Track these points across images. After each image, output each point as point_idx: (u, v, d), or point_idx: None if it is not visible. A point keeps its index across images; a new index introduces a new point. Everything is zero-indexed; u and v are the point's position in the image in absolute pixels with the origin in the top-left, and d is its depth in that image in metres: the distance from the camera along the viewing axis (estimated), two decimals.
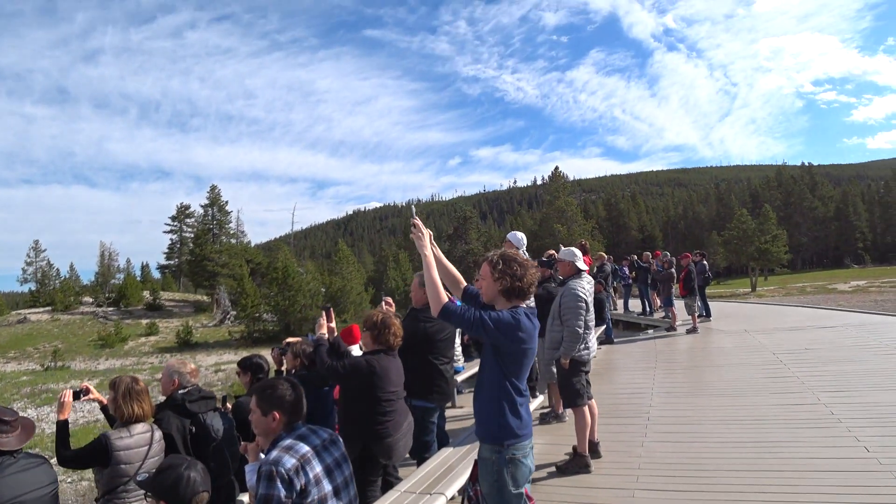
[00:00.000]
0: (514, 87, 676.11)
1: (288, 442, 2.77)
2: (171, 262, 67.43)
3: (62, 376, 24.24)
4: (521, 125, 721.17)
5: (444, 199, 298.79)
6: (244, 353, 26.43)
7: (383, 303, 5.78)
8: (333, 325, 4.87)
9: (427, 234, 3.25)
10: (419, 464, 5.08)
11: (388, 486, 4.50)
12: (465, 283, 3.40)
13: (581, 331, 5.76)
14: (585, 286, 6.00)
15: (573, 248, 6.35)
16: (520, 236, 7.32)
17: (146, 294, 53.09)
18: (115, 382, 3.89)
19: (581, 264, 6.13)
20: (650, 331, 15.07)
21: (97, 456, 3.66)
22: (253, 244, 68.15)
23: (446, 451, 5.19)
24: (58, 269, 69.26)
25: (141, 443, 3.78)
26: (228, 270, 50.08)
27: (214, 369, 23.56)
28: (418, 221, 3.29)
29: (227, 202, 57.76)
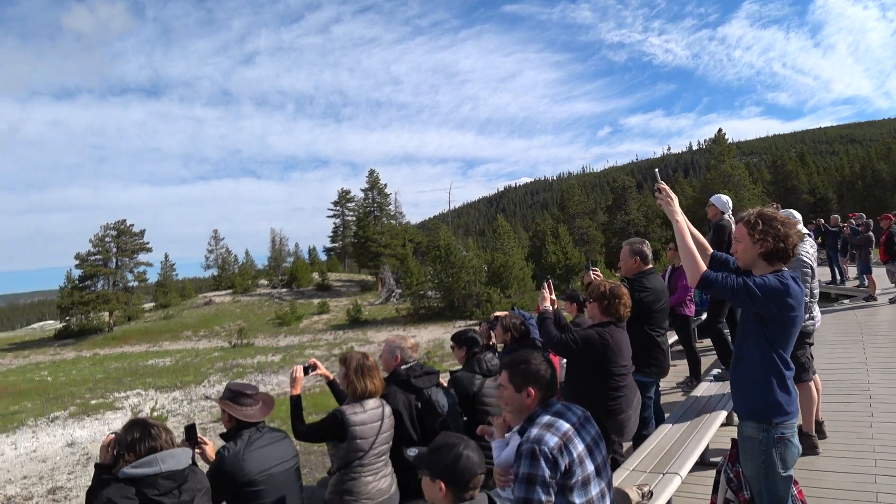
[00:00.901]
0: (662, 50, 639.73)
1: (547, 419, 2.70)
2: (336, 245, 71.43)
3: (248, 352, 26.50)
4: (672, 89, 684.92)
5: (595, 170, 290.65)
6: (412, 329, 27.46)
7: (591, 272, 5.60)
8: (554, 296, 4.78)
9: (675, 199, 3.08)
10: (637, 441, 4.96)
11: (614, 464, 4.38)
12: (712, 249, 3.21)
13: (807, 299, 5.33)
14: (809, 250, 5.51)
15: (792, 211, 5.84)
16: (724, 199, 6.86)
17: (315, 275, 56.67)
18: (345, 358, 4.04)
19: (803, 228, 5.65)
20: (845, 301, 13.67)
21: (333, 430, 3.84)
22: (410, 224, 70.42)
23: (667, 428, 5.02)
24: (235, 256, 75.61)
25: (374, 418, 3.91)
26: (391, 250, 52.16)
27: None
28: (664, 186, 3.11)
29: (385, 185, 60.07)
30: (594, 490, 2.68)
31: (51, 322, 70.81)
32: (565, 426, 2.66)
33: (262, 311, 44.03)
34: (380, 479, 3.96)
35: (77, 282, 47.44)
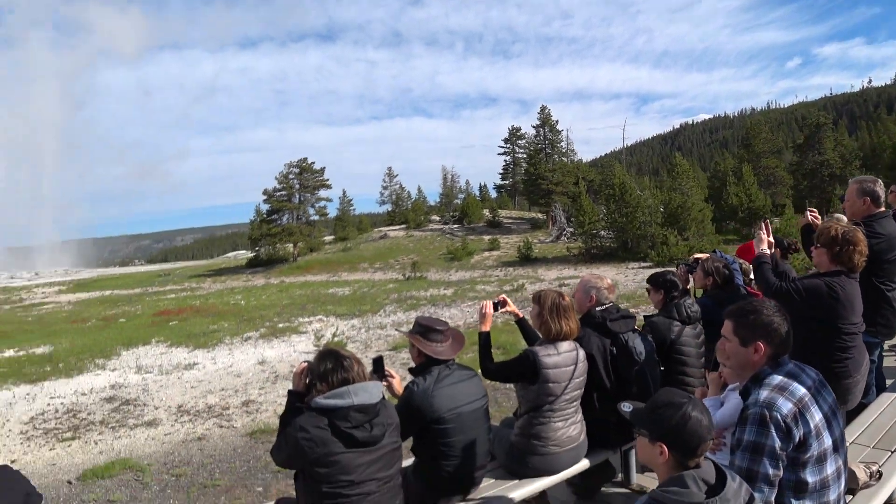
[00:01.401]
0: None
1: (779, 380, 2.34)
2: (506, 182, 71.68)
3: (421, 285, 27.46)
4: (876, 12, 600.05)
5: (782, 106, 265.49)
6: (583, 269, 26.88)
7: (808, 214, 4.70)
8: (772, 238, 4.23)
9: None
10: (854, 410, 4.30)
11: None
12: None
13: None
14: None
15: None
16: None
17: (486, 212, 57.31)
18: (539, 297, 3.83)
19: None
20: None
21: (524, 371, 3.68)
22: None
23: (891, 398, 4.36)
24: (409, 192, 78.35)
25: (567, 361, 3.70)
26: (562, 188, 51.32)
27: (558, 283, 24.32)
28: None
29: (556, 121, 58.78)
30: (830, 468, 2.28)
31: (243, 252, 77.81)
32: (801, 391, 2.28)
33: (434, 246, 45.32)
34: (570, 426, 3.76)
35: (265, 216, 51.47)
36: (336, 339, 14.39)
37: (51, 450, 9.14)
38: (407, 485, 3.12)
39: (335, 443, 2.69)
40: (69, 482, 7.88)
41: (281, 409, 9.28)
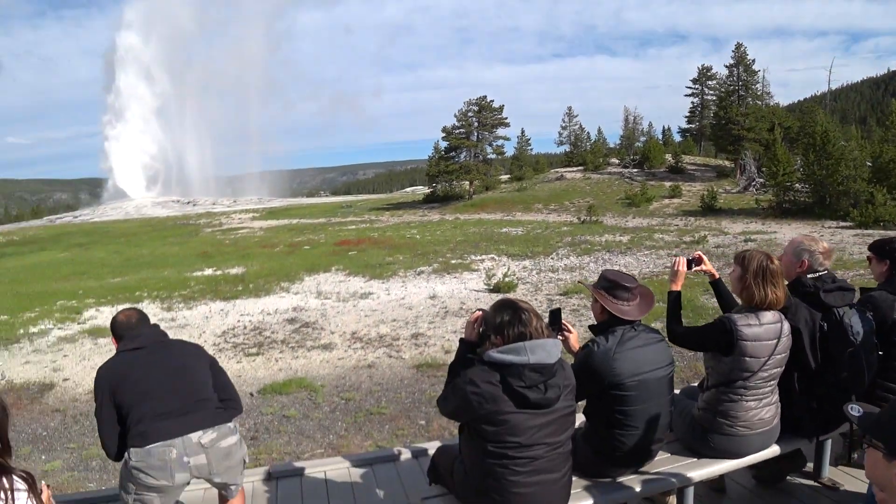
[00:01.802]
0: None
1: None
2: (692, 126, 67.38)
3: (596, 230, 26.65)
4: None
5: None
6: (773, 225, 24.70)
7: None
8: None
9: None
10: None
11: None
12: None
13: None
14: None
15: None
16: None
17: (668, 157, 54.27)
18: (744, 258, 3.32)
19: None
20: None
21: (718, 339, 3.23)
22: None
23: None
24: (588, 133, 76.11)
25: (770, 334, 3.19)
26: (754, 134, 47.17)
27: (744, 238, 22.54)
28: None
29: (753, 61, 53.70)
30: None
31: (420, 187, 79.92)
32: None
33: (612, 190, 43.80)
34: (763, 408, 3.27)
35: (443, 153, 52.16)
36: (507, 279, 14.26)
37: (238, 363, 9.87)
38: (575, 449, 2.81)
39: (506, 401, 2.48)
40: (251, 394, 8.44)
41: (449, 346, 9.30)
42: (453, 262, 18.89)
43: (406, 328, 11.47)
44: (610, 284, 3.11)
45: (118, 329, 3.16)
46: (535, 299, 13.15)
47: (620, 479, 3.19)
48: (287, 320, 12.61)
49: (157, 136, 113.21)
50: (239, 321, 12.79)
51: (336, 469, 4.42)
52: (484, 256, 19.87)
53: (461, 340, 2.90)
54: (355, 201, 64.50)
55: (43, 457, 6.92)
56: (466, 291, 14.44)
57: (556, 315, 3.09)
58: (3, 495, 2.07)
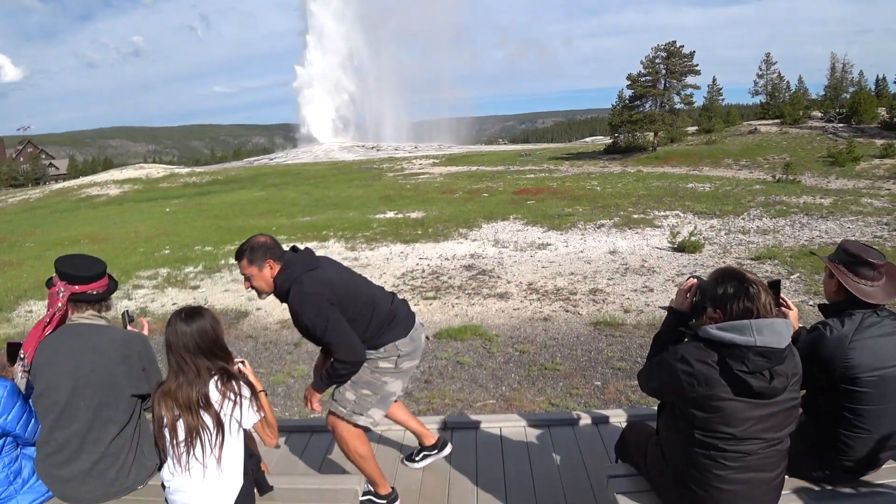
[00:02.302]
0: None
1: None
2: None
3: (793, 190, 24.26)
4: None
5: None
6: None
7: None
8: None
9: None
10: None
11: None
12: None
13: None
14: None
15: None
16: None
17: (881, 111, 48.07)
18: None
19: None
20: None
21: None
22: None
23: None
24: (787, 82, 68.99)
25: None
26: None
27: None
28: None
29: None
30: None
31: (600, 137, 77.30)
32: None
33: (812, 147, 39.72)
34: None
35: (627, 101, 49.81)
36: (693, 238, 13.35)
37: (415, 305, 10.03)
38: (791, 446, 2.39)
39: (722, 386, 2.12)
40: (427, 338, 8.54)
41: (629, 305, 8.86)
42: (635, 216, 18.04)
43: (584, 283, 11.10)
44: (852, 259, 2.58)
45: (278, 250, 3.15)
46: (723, 261, 12.22)
47: (838, 488, 2.69)
48: (464, 266, 12.68)
49: (347, 83, 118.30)
50: (418, 264, 13.07)
51: (512, 426, 4.28)
52: (668, 212, 18.79)
53: (670, 309, 2.55)
54: (534, 150, 63.77)
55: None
56: (648, 248, 13.71)
57: (776, 286, 2.64)
58: (232, 397, 2.43)
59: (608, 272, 11.77)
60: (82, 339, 2.81)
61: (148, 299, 11.81)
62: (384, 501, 3.41)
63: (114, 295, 3.07)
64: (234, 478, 2.51)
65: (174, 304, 11.31)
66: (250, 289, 3.16)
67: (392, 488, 3.44)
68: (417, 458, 3.77)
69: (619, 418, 4.22)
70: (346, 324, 3.06)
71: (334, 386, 3.31)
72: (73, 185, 60.22)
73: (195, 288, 12.46)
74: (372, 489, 3.40)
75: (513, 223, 17.71)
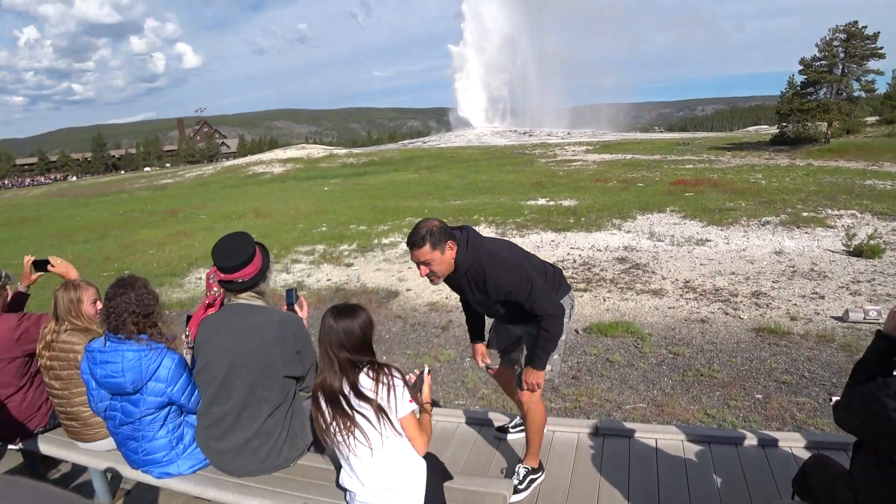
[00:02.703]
0: None
1: None
2: None
3: None
4: None
5: None
6: None
7: None
8: None
9: None
10: None
11: None
12: None
13: None
14: None
15: None
16: None
17: None
18: None
19: None
20: None
21: None
22: None
23: None
24: None
25: None
26: None
27: None
28: None
29: None
30: None
31: (764, 126, 72.02)
32: None
33: None
34: None
35: (798, 88, 45.81)
36: (872, 242, 12.05)
37: None
38: None
39: None
40: (576, 331, 8.33)
41: (795, 312, 8.16)
42: (804, 214, 16.58)
43: (746, 284, 10.34)
44: None
45: (453, 231, 3.22)
46: None
47: None
48: (617, 259, 12.25)
49: (501, 68, 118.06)
50: (569, 254, 12.79)
51: (668, 439, 4.01)
52: (842, 211, 17.11)
53: (879, 335, 2.22)
54: (693, 139, 60.66)
55: (384, 358, 7.63)
56: (819, 251, 12.54)
57: None
58: (385, 382, 2.50)
59: (773, 274, 10.89)
60: (241, 320, 2.94)
61: (304, 274, 12.43)
62: (540, 474, 3.65)
63: (272, 267, 3.18)
64: (411, 461, 2.60)
65: (329, 280, 11.83)
66: (427, 275, 3.19)
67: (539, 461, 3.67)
68: (521, 486, 3.57)
69: (791, 443, 3.83)
70: (543, 280, 3.24)
71: (523, 354, 3.47)
72: (241, 163, 64.92)
73: (349, 265, 12.95)
74: (528, 466, 3.59)
75: (669, 216, 16.87)
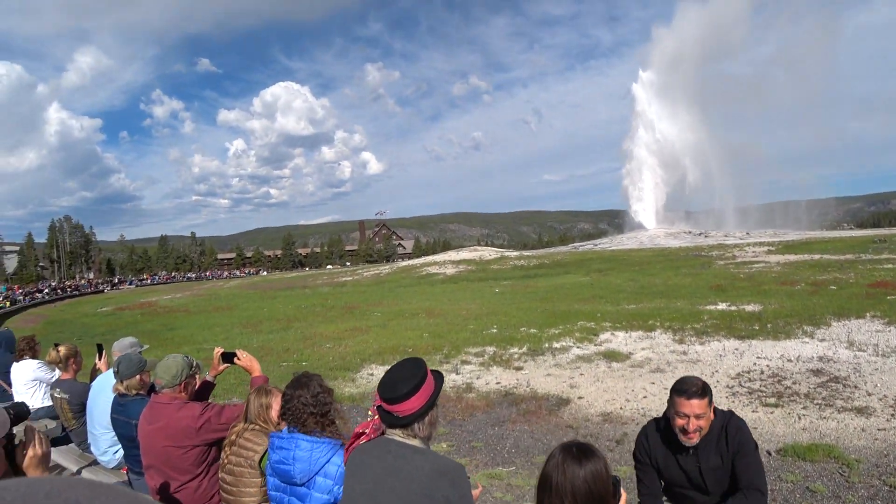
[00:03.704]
0: None
1: None
2: None
3: None
4: None
5: None
6: None
7: None
8: None
9: None
10: None
11: None
12: None
13: None
14: None
15: None
16: None
17: None
18: None
19: None
20: None
21: None
22: None
23: None
24: None
25: None
26: None
27: None
28: None
29: None
30: None
31: None
32: None
33: None
34: None
35: None
36: None
37: (753, 411, 8.99)
38: None
39: None
40: (769, 452, 7.50)
41: None
42: None
43: None
44: None
45: None
46: None
47: None
48: (811, 370, 11.05)
49: (674, 168, 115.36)
50: (755, 364, 11.76)
51: None
52: None
53: None
54: (890, 235, 54.99)
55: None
56: None
57: None
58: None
59: None
60: (388, 460, 2.57)
61: (474, 376, 12.38)
62: None
63: (448, 367, 3.09)
64: None
65: (498, 383, 11.68)
66: (695, 432, 3.19)
67: None
68: None
69: None
70: None
71: None
72: (416, 263, 67.85)
73: (518, 369, 12.75)
74: None
75: (870, 322, 15.10)
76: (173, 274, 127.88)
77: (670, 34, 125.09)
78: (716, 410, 3.17)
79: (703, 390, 3.03)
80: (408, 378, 2.59)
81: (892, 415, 8.54)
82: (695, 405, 3.01)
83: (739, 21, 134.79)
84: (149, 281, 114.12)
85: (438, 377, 2.74)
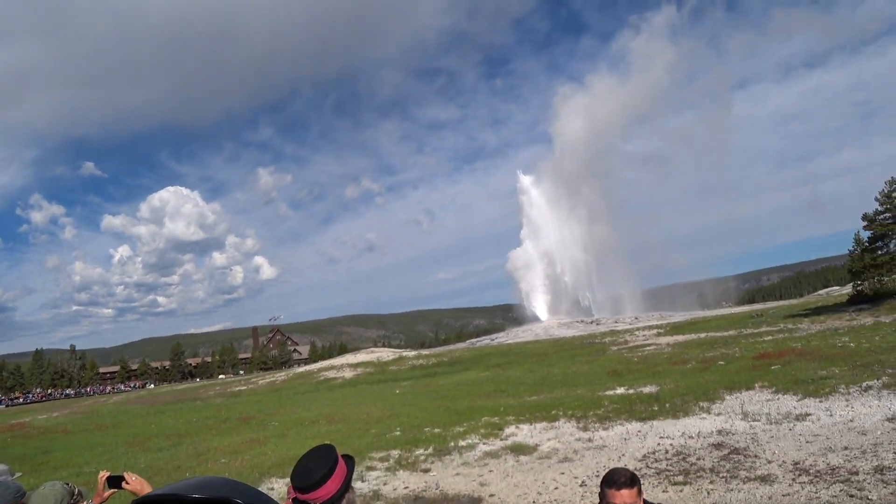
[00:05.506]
0: None
1: None
2: None
3: None
4: None
5: None
6: None
7: None
8: None
9: None
10: None
11: None
12: None
13: None
14: None
15: None
16: None
17: None
18: None
19: None
20: None
21: None
22: None
23: None
24: None
25: None
26: None
27: None
28: None
29: None
30: None
31: (836, 288, 69.77)
32: None
33: None
34: None
35: (866, 244, 44.84)
36: None
37: (663, 491, 9.00)
38: None
39: None
40: None
41: None
42: None
43: (864, 459, 9.27)
44: None
45: None
46: None
47: None
48: (712, 445, 11.29)
49: (561, 261, 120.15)
50: (659, 444, 11.90)
51: None
52: None
53: None
54: (765, 309, 59.02)
55: None
56: None
57: None
58: None
59: (893, 444, 9.81)
60: None
61: (380, 482, 11.80)
62: None
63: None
64: None
65: (406, 487, 11.16)
66: None
67: None
68: None
69: None
70: None
71: None
72: (313, 369, 65.92)
73: (426, 471, 12.29)
74: None
75: (760, 392, 15.81)
76: (49, 391, 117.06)
77: (555, 132, 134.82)
78: (645, 502, 3.11)
79: (632, 480, 3.05)
80: (321, 463, 2.50)
81: (794, 479, 8.78)
82: (625, 495, 3.01)
83: (615, 124, 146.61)
84: (21, 400, 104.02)
85: (349, 460, 2.67)
